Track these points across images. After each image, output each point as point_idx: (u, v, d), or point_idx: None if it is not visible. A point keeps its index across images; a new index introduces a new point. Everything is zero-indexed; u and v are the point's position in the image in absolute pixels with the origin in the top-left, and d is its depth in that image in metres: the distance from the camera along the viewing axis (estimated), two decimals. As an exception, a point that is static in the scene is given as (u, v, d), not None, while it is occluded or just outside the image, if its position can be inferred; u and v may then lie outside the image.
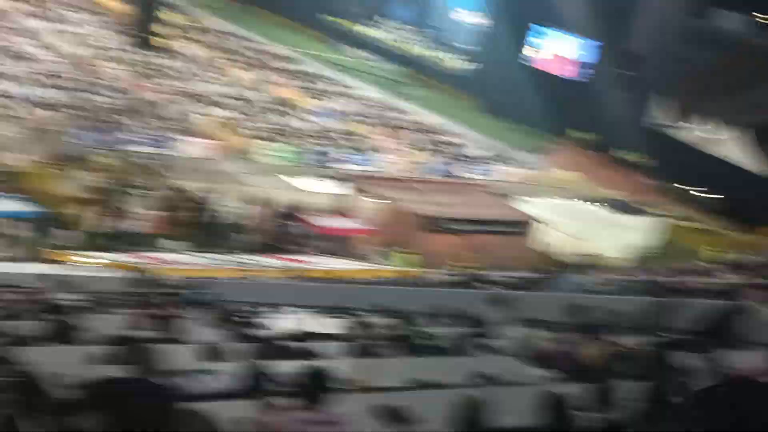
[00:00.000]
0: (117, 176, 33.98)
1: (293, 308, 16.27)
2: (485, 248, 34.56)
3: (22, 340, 10.96)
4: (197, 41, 61.01)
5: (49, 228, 29.06)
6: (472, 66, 67.66)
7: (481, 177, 46.21)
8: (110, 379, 7.42)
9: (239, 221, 33.75)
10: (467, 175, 46.08)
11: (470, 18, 70.15)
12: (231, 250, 31.59)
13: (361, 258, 33.05)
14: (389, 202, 36.71)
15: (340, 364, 9.22)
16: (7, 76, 41.45)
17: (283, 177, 40.23)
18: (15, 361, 8.69)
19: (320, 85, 57.94)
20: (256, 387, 8.35)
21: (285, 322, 14.49)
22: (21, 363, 8.55)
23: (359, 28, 76.42)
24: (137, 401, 6.79)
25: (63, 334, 11.96)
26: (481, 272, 27.82)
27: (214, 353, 10.23)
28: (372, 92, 60.81)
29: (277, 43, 68.54)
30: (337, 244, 34.10)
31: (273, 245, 33.22)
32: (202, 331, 12.67)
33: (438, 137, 52.07)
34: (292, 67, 61.27)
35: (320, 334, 13.04)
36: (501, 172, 47.44)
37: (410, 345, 11.98)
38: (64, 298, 15.99)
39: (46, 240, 28.50)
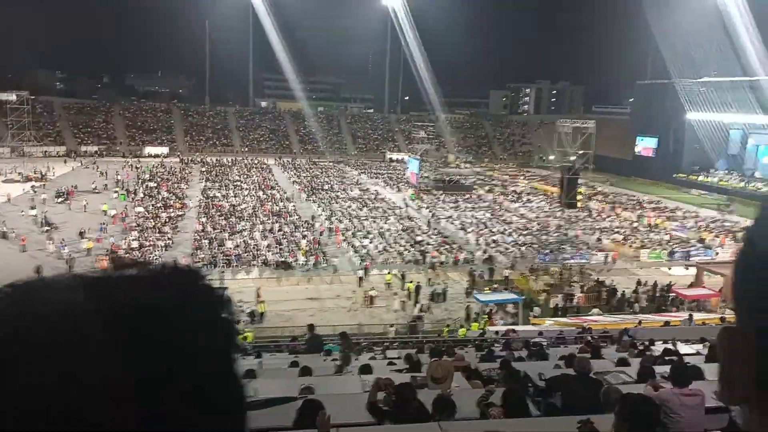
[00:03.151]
0: (562, 277, 34.02)
1: (672, 340, 15.18)
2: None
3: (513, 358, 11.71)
4: (600, 200, 59.51)
5: (529, 307, 29.71)
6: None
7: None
8: (565, 375, 7.77)
9: (633, 296, 31.59)
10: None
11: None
12: (630, 312, 29.59)
13: (714, 311, 28.92)
14: (725, 275, 31.84)
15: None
16: (500, 233, 43.81)
17: (663, 268, 37.59)
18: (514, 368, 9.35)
19: (677, 213, 53.08)
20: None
21: (661, 347, 13.60)
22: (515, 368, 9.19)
23: (699, 178, 71.44)
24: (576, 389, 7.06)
25: (542, 354, 12.56)
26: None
27: (622, 362, 10.07)
28: (708, 213, 54.26)
29: (647, 194, 64.92)
30: (699, 304, 30.26)
31: (658, 308, 30.58)
32: (611, 352, 12.42)
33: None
34: (657, 206, 56.95)
35: (686, 354, 12.11)
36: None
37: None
38: (539, 340, 16.59)
39: (528, 313, 29.10)
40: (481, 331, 24.70)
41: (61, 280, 0.55)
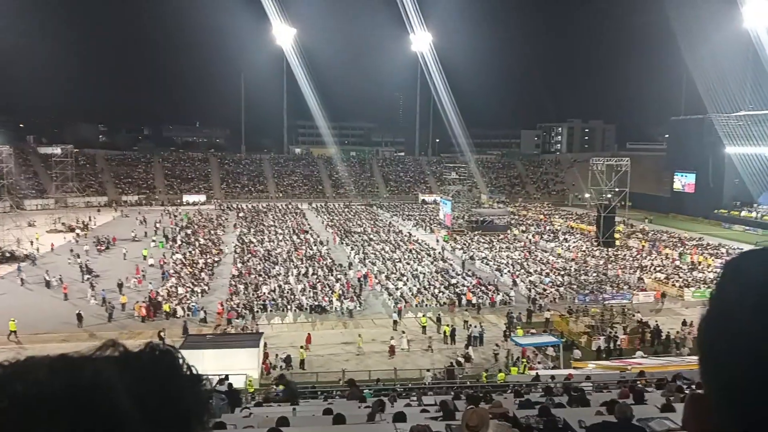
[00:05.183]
0: (604, 318, 33.01)
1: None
2: None
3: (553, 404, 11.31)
4: (638, 237, 58.25)
5: (569, 349, 28.85)
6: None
7: None
8: (606, 422, 7.49)
9: (678, 337, 30.37)
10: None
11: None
12: (676, 354, 28.42)
13: None
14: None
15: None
16: (537, 273, 43.02)
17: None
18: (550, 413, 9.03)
19: (721, 251, 51.37)
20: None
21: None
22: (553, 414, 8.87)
23: (741, 213, 69.73)
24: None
25: (583, 400, 12.08)
26: None
27: (667, 408, 9.63)
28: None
29: (688, 230, 63.45)
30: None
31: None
32: (656, 397, 11.88)
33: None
34: (699, 243, 55.37)
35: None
36: None
37: None
38: (584, 384, 16.08)
39: (569, 356, 28.24)
40: (535, 374, 23.64)
41: (38, 361, 0.64)
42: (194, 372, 0.70)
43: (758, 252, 0.62)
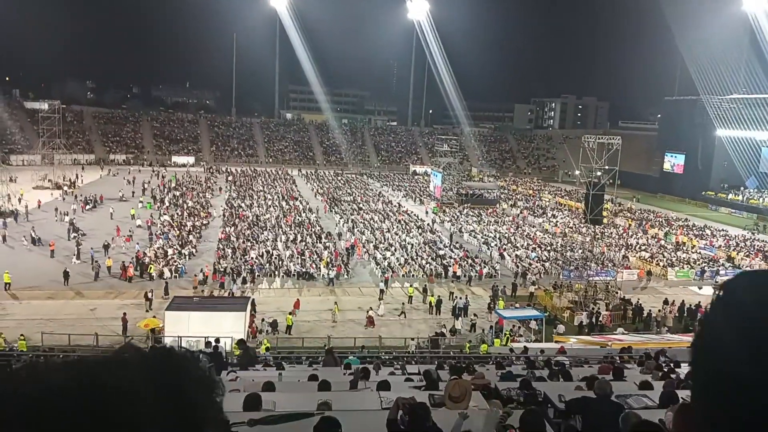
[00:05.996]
0: (587, 294, 33.42)
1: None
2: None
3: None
4: (625, 216, 58.78)
5: (553, 324, 29.29)
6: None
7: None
8: (585, 397, 7.66)
9: (659, 315, 30.92)
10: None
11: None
12: (656, 332, 28.97)
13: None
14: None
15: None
16: (524, 248, 43.38)
17: (692, 288, 36.79)
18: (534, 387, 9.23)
19: (706, 232, 52.05)
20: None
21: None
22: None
23: (728, 196, 70.60)
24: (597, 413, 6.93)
25: (565, 374, 12.33)
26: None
27: (645, 385, 9.84)
28: (736, 231, 53.18)
29: (675, 211, 64.09)
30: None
31: (686, 328, 29.80)
32: (635, 374, 12.17)
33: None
34: (685, 223, 55.98)
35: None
36: None
37: None
38: (563, 358, 16.38)
39: (551, 330, 28.67)
40: (523, 347, 23.82)
41: (53, 364, 0.64)
42: (211, 378, 0.70)
43: (753, 275, 0.66)
